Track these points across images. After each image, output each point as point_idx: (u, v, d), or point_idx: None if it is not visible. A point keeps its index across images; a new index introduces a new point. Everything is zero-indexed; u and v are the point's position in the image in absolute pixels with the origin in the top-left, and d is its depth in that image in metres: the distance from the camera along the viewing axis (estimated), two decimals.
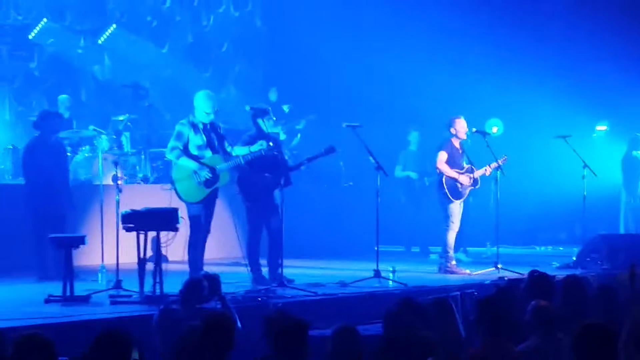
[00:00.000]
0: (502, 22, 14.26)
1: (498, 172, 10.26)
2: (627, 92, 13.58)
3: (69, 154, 11.01)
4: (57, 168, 10.11)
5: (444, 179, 10.17)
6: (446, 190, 10.11)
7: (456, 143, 10.21)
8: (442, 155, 10.08)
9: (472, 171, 10.27)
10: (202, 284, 7.03)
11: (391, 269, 9.61)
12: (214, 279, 7.09)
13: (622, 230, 12.72)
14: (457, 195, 10.08)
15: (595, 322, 4.08)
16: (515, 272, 9.35)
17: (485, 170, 10.27)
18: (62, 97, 12.14)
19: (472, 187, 10.28)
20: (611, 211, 13.27)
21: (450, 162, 10.15)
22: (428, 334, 5.42)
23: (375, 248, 9.65)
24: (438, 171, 10.33)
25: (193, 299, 6.69)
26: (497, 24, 14.14)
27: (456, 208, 10.11)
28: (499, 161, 10.17)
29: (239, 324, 6.48)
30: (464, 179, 10.16)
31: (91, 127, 11.47)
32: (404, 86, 13.73)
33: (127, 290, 8.36)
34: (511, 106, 13.53)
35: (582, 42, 13.86)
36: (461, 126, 10.15)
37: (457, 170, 10.23)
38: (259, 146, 8.94)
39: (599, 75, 13.68)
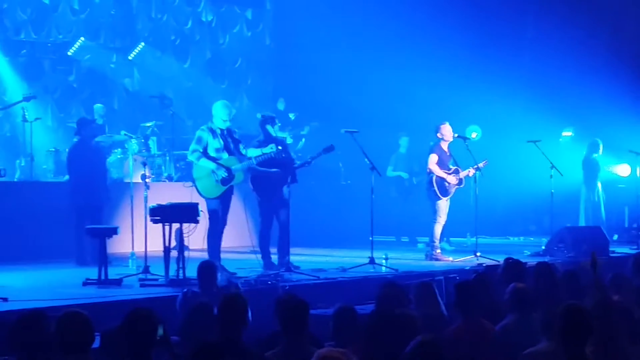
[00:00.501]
0: (480, 39, 14.61)
1: (477, 172, 10.69)
2: (589, 102, 13.89)
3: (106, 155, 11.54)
4: (96, 168, 10.66)
5: (434, 179, 10.54)
6: (435, 189, 10.50)
7: (444, 146, 10.62)
8: (433, 158, 10.47)
9: (457, 172, 10.64)
10: (213, 268, 7.39)
11: (384, 256, 10.01)
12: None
13: (582, 222, 13.07)
14: (445, 193, 10.52)
15: (573, 303, 4.32)
16: (492, 259, 9.74)
17: (469, 171, 10.67)
18: (97, 106, 12.65)
19: (458, 186, 10.68)
20: (575, 206, 13.48)
21: (440, 164, 10.55)
22: (411, 311, 5.65)
23: (370, 238, 10.08)
24: (429, 171, 10.66)
25: (207, 281, 7.05)
26: (476, 41, 14.50)
27: (443, 204, 10.54)
28: (481, 164, 10.63)
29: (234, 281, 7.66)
30: (452, 179, 10.53)
31: (122, 132, 12.05)
32: (395, 96, 14.07)
33: (154, 274, 8.78)
34: (488, 114, 13.83)
35: (550, 56, 14.35)
36: (447, 131, 10.55)
37: (445, 170, 10.64)
38: (270, 149, 9.33)
39: (565, 87, 14.08)
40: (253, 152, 9.34)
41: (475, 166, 10.44)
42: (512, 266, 7.08)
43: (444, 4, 14.17)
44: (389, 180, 12.56)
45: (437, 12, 14.06)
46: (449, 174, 10.41)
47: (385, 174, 11.98)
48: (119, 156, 11.86)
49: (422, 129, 11.80)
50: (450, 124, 10.63)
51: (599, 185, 12.90)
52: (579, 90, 13.76)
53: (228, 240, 10.03)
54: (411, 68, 13.45)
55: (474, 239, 11.19)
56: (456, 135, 10.51)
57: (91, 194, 10.26)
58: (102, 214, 10.30)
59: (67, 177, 10.81)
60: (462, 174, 10.43)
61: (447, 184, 10.38)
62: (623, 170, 13.50)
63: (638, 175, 13.03)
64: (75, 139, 10.61)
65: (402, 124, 13.38)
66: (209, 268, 7.19)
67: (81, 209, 10.15)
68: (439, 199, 10.38)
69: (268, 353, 4.38)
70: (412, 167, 12.66)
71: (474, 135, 12.39)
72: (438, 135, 10.42)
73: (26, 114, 11.38)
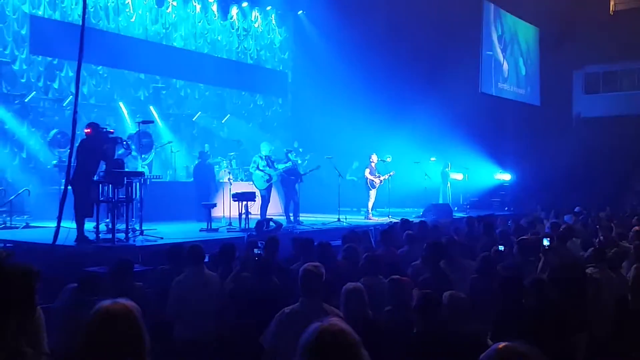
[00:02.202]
0: (391, 103, 17.47)
1: (389, 177, 13.95)
2: (444, 142, 17.10)
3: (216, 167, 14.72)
4: (209, 174, 13.70)
5: (367, 180, 14.01)
6: (368, 185, 14.01)
7: (373, 164, 14.05)
8: (367, 170, 14.06)
9: (379, 177, 14.01)
10: (263, 222, 9.33)
11: (344, 217, 12.76)
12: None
13: (440, 201, 16.14)
14: (373, 187, 14.04)
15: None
16: (396, 219, 11.66)
17: (386, 177, 13.95)
18: (206, 145, 15.36)
19: (380, 184, 13.97)
20: (436, 194, 16.80)
21: (370, 173, 13.95)
22: (359, 245, 7.06)
23: (338, 208, 13.04)
24: (365, 176, 14.00)
25: (261, 229, 8.94)
26: (390, 105, 17.40)
27: (372, 192, 14.06)
28: (391, 173, 14.03)
29: (282, 224, 10.06)
30: (376, 180, 13.99)
31: (219, 158, 15.34)
32: (349, 139, 16.72)
33: (233, 226, 11.27)
34: (395, 146, 16.04)
35: (428, 117, 17.18)
36: (374, 157, 14.10)
37: (373, 176, 13.95)
38: (289, 164, 12.42)
39: (435, 133, 17.20)
40: (281, 166, 12.46)
41: (388, 174, 14.08)
42: (405, 222, 9.29)
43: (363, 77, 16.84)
44: (347, 180, 14.90)
45: (365, 82, 16.79)
46: (375, 177, 14.00)
47: (345, 177, 14.62)
48: (217, 168, 14.85)
49: (364, 155, 14.86)
50: (376, 153, 14.32)
51: (449, 184, 16.89)
52: (438, 133, 17.20)
53: (270, 209, 12.52)
54: (359, 122, 16.77)
55: (388, 209, 14.41)
56: (379, 159, 14.31)
57: (206, 187, 13.36)
58: (210, 197, 13.02)
59: (192, 179, 13.86)
60: (382, 178, 14.09)
61: (374, 183, 14.08)
62: (459, 176, 17.28)
63: (466, 179, 17.31)
64: (197, 161, 13.94)
65: (354, 153, 16.29)
66: (260, 223, 9.30)
67: (201, 194, 13.00)
68: (370, 189, 14.12)
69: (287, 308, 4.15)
70: (358, 174, 15.31)
71: (388, 159, 14.82)
72: (370, 159, 14.27)
73: (172, 148, 14.69)
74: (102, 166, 9.11)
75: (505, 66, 19.67)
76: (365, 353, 2.14)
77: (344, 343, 2.08)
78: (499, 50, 19.17)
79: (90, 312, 2.27)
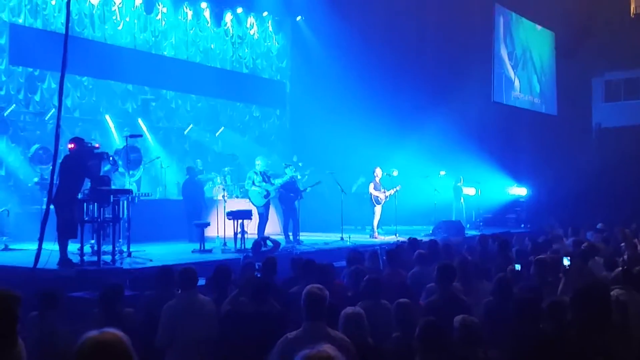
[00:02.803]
0: (397, 121, 17.34)
1: (396, 192, 13.96)
2: (454, 152, 17.03)
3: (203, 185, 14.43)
4: (198, 192, 13.78)
5: (372, 196, 13.96)
6: (373, 201, 13.98)
7: (377, 179, 14.04)
8: (371, 185, 14.05)
9: (384, 192, 13.98)
10: (260, 242, 9.46)
11: (348, 236, 12.82)
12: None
13: (452, 218, 15.95)
14: (378, 202, 14.04)
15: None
16: (404, 238, 11.49)
17: (391, 192, 13.96)
18: (198, 160, 15.46)
19: (386, 199, 13.98)
20: (448, 210, 16.61)
21: (375, 188, 13.91)
22: (364, 266, 7.20)
23: (341, 226, 13.09)
24: (370, 192, 13.97)
25: (258, 250, 9.12)
26: (396, 121, 17.36)
27: (378, 209, 14.02)
28: (397, 188, 14.00)
29: (279, 244, 10.02)
30: (381, 196, 13.97)
31: (213, 173, 15.57)
32: (352, 154, 16.93)
33: (227, 247, 11.34)
34: (402, 160, 16.17)
35: (432, 122, 16.97)
36: (378, 171, 14.11)
37: (378, 191, 13.93)
38: (287, 178, 12.33)
39: (444, 145, 16.99)
40: (278, 181, 12.40)
41: (394, 189, 14.06)
42: (413, 241, 9.40)
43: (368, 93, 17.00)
44: (351, 195, 15.31)
45: (370, 100, 16.97)
46: (381, 193, 14.03)
47: (350, 192, 15.15)
48: (210, 185, 15.27)
49: (368, 169, 14.93)
50: (380, 167, 14.33)
51: (462, 199, 16.77)
52: (449, 147, 17.07)
53: (268, 228, 12.59)
54: (363, 134, 16.72)
55: (395, 227, 14.38)
56: (385, 173, 14.31)
57: (195, 205, 13.45)
58: (201, 215, 13.12)
59: (181, 197, 13.91)
60: (387, 193, 14.07)
61: (379, 199, 14.12)
62: (471, 191, 17.19)
63: (479, 194, 17.16)
64: (186, 177, 13.91)
65: (357, 167, 16.54)
66: (257, 244, 9.48)
67: (190, 213, 13.19)
68: (375, 205, 14.11)
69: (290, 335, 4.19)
70: (364, 189, 15.16)
71: (395, 172, 14.93)
72: (375, 173, 14.25)
73: (162, 164, 14.89)
74: (87, 184, 9.08)
75: (517, 83, 19.79)
76: None
77: None
78: (509, 67, 19.30)
79: (60, 340, 2.21)
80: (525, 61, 20.19)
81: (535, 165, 19.78)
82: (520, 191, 19.25)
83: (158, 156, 14.95)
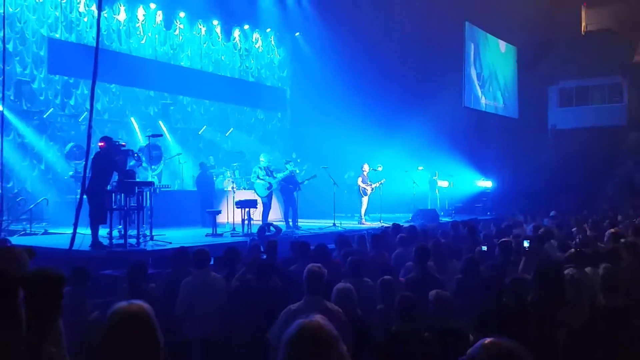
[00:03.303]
0: (380, 122, 17.11)
1: (380, 185, 13.95)
2: (430, 150, 17.00)
3: (214, 178, 14.40)
4: (210, 184, 13.67)
5: (360, 188, 14.02)
6: (361, 192, 14.05)
7: (365, 173, 14.05)
8: (359, 179, 14.08)
9: (370, 185, 14.01)
10: (265, 228, 9.23)
11: (339, 222, 12.75)
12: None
13: (428, 207, 16.09)
14: (365, 194, 14.06)
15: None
16: (387, 224, 11.54)
17: (377, 184, 13.94)
18: (210, 157, 15.30)
19: (372, 191, 13.95)
20: (424, 200, 16.71)
21: (362, 181, 13.97)
22: (353, 248, 7.14)
23: (333, 214, 13.05)
24: (358, 184, 14.06)
25: (262, 234, 8.82)
26: (381, 122, 17.09)
27: (365, 199, 14.04)
28: (382, 181, 14.00)
29: (281, 229, 9.70)
30: (368, 188, 14.00)
31: (224, 168, 15.52)
32: (343, 151, 16.59)
33: (236, 231, 11.15)
34: (386, 157, 16.10)
35: (412, 124, 17.01)
36: (365, 167, 14.10)
37: (365, 184, 13.97)
38: (287, 172, 12.38)
39: (422, 144, 16.99)
40: (280, 175, 12.47)
41: (379, 182, 14.11)
42: (396, 226, 9.14)
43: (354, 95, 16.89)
44: (342, 186, 14.67)
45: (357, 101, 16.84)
46: (367, 185, 14.10)
47: (341, 184, 14.57)
48: (221, 177, 15.23)
49: (357, 164, 14.90)
50: (367, 163, 14.34)
51: (437, 190, 16.94)
52: (427, 144, 17.12)
53: (271, 215, 12.61)
54: (353, 134, 16.72)
55: (380, 214, 14.32)
56: (371, 168, 14.34)
57: (207, 195, 13.42)
58: (212, 204, 12.91)
59: (196, 188, 13.86)
60: (373, 186, 14.09)
61: (366, 190, 14.16)
62: (445, 184, 17.31)
63: (451, 186, 17.26)
64: (199, 171, 13.82)
65: (348, 163, 16.37)
66: (262, 229, 9.19)
67: (203, 202, 13.11)
68: (362, 196, 14.19)
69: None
70: (352, 182, 15.27)
71: (379, 167, 14.80)
72: (362, 168, 14.29)
73: (180, 159, 14.84)
74: (115, 177, 9.09)
75: (484, 100, 19.82)
76: (344, 348, 2.16)
77: (321, 338, 2.12)
78: (477, 86, 19.30)
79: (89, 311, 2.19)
80: (491, 82, 20.29)
81: (500, 162, 19.83)
82: (486, 184, 19.27)
83: (180, 152, 14.87)
